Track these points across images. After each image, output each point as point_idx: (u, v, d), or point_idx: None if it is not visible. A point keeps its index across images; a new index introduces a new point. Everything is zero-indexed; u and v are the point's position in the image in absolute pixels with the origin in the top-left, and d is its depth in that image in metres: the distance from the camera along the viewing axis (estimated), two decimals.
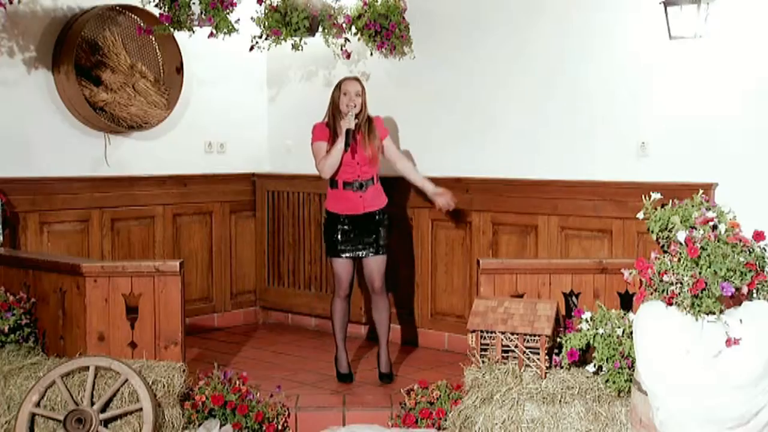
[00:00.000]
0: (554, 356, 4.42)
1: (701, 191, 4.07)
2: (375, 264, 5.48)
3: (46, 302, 5.00)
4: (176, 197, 6.81)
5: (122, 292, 4.78)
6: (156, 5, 5.95)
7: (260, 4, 6.19)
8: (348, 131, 5.35)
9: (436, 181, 5.97)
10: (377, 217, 5.48)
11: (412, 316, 6.47)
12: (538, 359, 4.36)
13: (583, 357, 4.34)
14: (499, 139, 6.05)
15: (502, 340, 4.43)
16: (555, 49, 5.79)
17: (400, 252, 6.37)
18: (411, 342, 6.46)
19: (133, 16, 6.45)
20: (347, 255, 5.45)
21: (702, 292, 3.56)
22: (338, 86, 5.51)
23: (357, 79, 5.53)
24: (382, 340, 5.56)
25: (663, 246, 3.99)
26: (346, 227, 5.44)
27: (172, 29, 6.05)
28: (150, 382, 4.54)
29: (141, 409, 4.47)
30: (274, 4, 6.19)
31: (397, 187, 6.08)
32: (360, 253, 5.46)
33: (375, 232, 5.46)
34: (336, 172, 5.43)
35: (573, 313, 4.53)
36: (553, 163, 5.81)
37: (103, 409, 4.48)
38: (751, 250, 3.65)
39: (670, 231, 3.92)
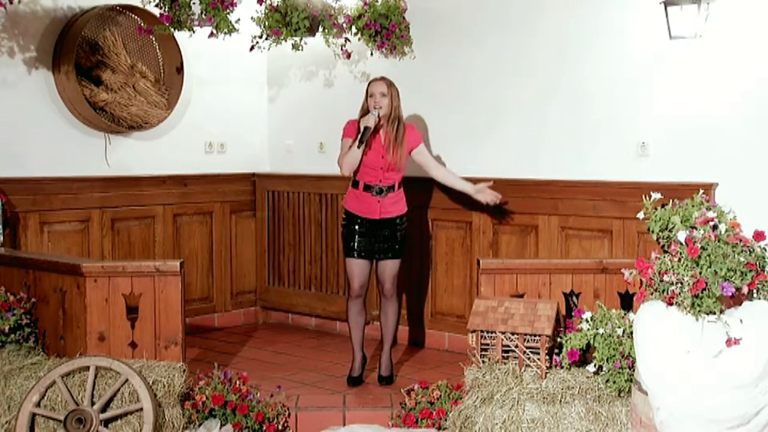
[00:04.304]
0: (554, 356, 4.42)
1: (701, 191, 4.06)
2: (387, 267, 5.45)
3: (46, 302, 5.00)
4: (176, 197, 6.81)
5: (122, 292, 4.78)
6: (156, 5, 5.95)
7: (260, 4, 6.19)
8: (366, 128, 5.26)
9: (437, 183, 5.98)
10: (396, 221, 5.44)
11: (415, 316, 6.47)
12: (538, 359, 4.36)
13: (583, 357, 4.34)
14: (499, 139, 6.04)
15: (502, 340, 4.43)
16: (555, 49, 5.79)
17: None
18: (417, 343, 6.45)
19: (133, 16, 6.45)
20: (361, 255, 5.41)
21: (702, 292, 3.56)
22: (367, 87, 5.41)
23: (384, 79, 5.40)
24: (386, 343, 5.55)
25: (663, 246, 3.99)
26: (362, 229, 5.40)
27: (172, 29, 6.05)
28: (150, 382, 4.54)
29: (141, 409, 4.47)
30: (275, 4, 6.19)
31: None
32: (375, 255, 5.43)
33: (391, 236, 5.42)
34: (358, 171, 5.38)
35: (573, 313, 4.53)
36: (554, 163, 5.81)
37: (103, 409, 4.48)
38: (751, 250, 3.64)
39: (670, 231, 3.92)
